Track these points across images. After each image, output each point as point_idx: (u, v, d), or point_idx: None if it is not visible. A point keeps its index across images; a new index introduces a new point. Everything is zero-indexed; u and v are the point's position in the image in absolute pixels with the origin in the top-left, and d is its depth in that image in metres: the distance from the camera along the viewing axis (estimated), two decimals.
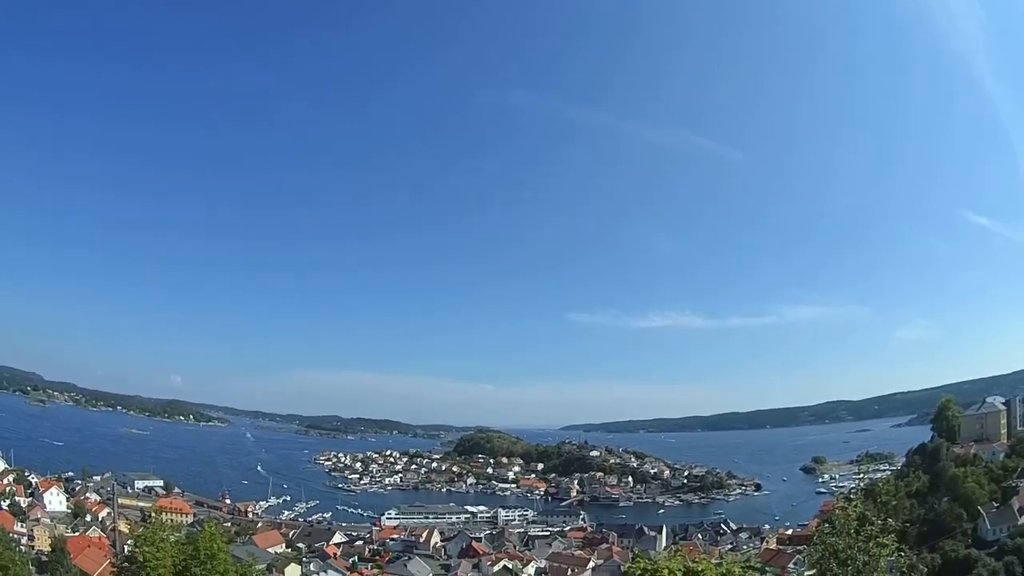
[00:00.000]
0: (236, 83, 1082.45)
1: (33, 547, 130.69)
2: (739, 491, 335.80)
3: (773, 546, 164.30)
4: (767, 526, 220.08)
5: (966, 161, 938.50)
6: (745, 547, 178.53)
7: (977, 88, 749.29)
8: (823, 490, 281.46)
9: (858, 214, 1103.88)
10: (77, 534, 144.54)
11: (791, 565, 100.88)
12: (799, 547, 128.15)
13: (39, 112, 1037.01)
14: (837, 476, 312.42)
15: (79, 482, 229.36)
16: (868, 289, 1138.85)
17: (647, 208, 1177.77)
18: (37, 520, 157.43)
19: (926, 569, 19.79)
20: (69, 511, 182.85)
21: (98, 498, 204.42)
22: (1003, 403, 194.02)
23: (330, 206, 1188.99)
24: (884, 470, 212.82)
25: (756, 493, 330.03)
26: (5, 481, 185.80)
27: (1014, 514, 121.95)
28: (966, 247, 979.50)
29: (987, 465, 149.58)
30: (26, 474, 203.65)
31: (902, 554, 19.79)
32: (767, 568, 74.27)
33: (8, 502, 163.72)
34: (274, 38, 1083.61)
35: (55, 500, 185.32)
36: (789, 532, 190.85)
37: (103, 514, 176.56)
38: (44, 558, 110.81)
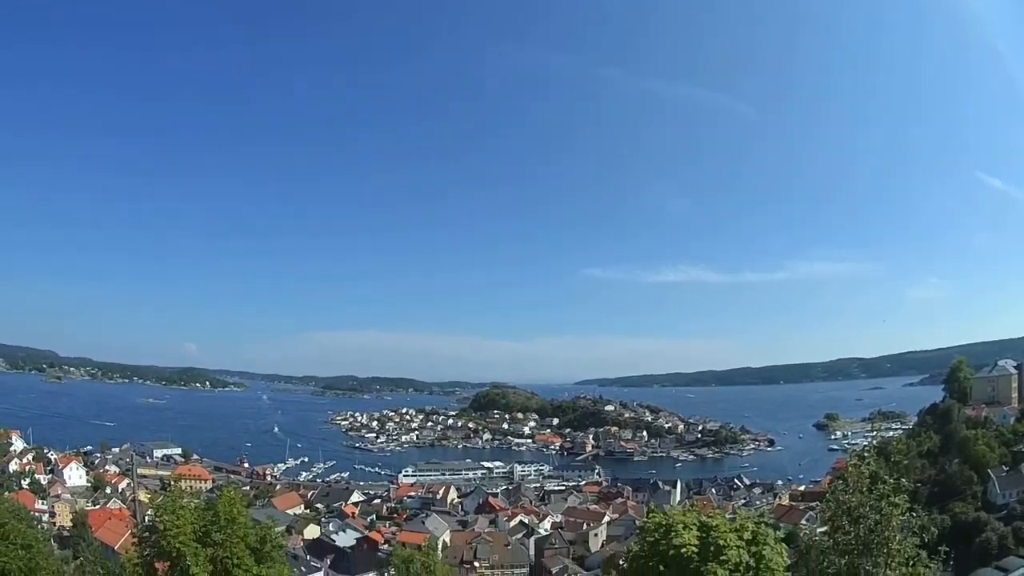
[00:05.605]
0: (256, 53, 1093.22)
1: (55, 523, 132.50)
2: (752, 447, 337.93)
3: (786, 502, 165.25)
4: (780, 482, 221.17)
5: (987, 126, 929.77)
6: (758, 503, 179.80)
7: (996, 52, 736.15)
8: (836, 447, 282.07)
9: (877, 175, 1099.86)
10: (98, 507, 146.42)
11: (804, 521, 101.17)
12: (812, 504, 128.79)
13: (45, 93, 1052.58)
14: (850, 434, 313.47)
15: (98, 455, 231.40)
16: (883, 248, 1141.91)
17: (668, 166, 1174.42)
18: (58, 496, 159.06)
19: (937, 530, 19.95)
20: (89, 485, 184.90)
21: (117, 470, 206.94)
22: (1015, 367, 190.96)
23: (351, 170, 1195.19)
24: (896, 429, 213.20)
25: (769, 449, 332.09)
26: (25, 460, 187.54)
27: (1023, 479, 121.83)
28: (983, 210, 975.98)
29: (997, 428, 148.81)
30: (45, 451, 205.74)
31: (914, 514, 20.03)
32: (780, 524, 74.92)
33: (28, 480, 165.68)
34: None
35: (75, 475, 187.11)
36: (802, 489, 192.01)
37: (123, 485, 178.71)
38: (66, 533, 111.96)
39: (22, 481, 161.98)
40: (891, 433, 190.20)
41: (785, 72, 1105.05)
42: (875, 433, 25.07)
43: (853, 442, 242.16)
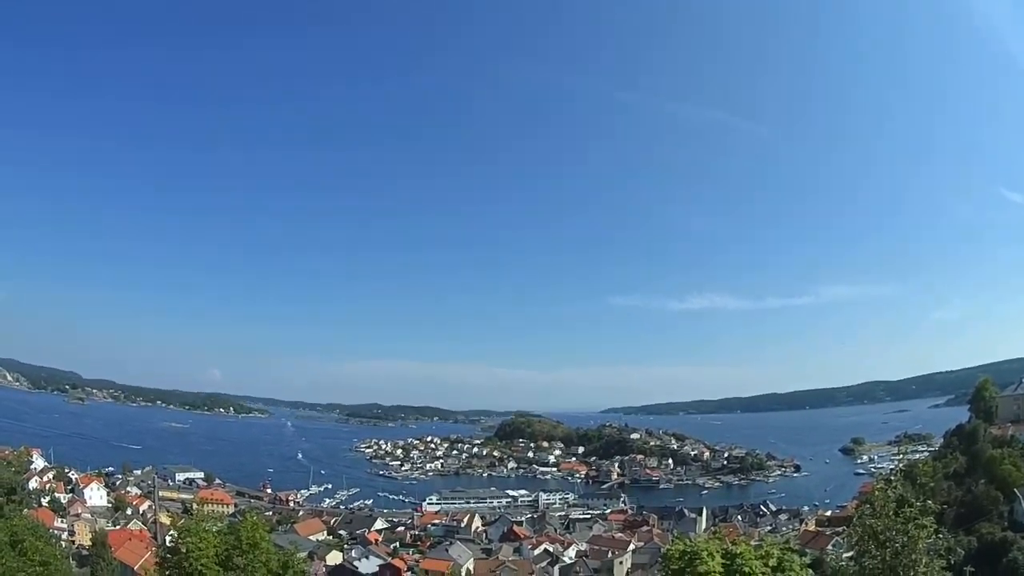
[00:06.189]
0: (266, 67, 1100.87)
1: (74, 542, 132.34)
2: (779, 472, 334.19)
3: (812, 528, 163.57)
4: (806, 508, 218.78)
5: (1007, 141, 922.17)
6: (784, 529, 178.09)
7: (1018, 67, 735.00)
8: (862, 471, 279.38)
9: (897, 195, 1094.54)
10: (118, 527, 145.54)
11: (830, 547, 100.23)
12: (838, 529, 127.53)
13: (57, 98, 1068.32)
14: (876, 457, 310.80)
15: (119, 477, 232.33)
16: (906, 269, 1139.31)
17: (687, 191, 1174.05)
18: (78, 515, 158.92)
19: (963, 552, 19.94)
20: (110, 505, 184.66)
21: (139, 492, 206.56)
22: None
23: (365, 190, 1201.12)
24: (922, 451, 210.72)
25: (795, 474, 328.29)
26: (45, 478, 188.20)
27: None
28: (1003, 226, 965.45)
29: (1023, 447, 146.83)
30: (66, 471, 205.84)
31: (940, 536, 19.93)
32: (806, 550, 74.33)
33: (48, 498, 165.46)
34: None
35: (95, 495, 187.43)
36: (828, 514, 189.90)
37: (144, 507, 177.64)
38: (85, 552, 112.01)
39: (42, 499, 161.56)
40: (917, 455, 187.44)
41: (803, 89, 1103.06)
42: (901, 456, 24.90)
43: (879, 466, 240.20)
